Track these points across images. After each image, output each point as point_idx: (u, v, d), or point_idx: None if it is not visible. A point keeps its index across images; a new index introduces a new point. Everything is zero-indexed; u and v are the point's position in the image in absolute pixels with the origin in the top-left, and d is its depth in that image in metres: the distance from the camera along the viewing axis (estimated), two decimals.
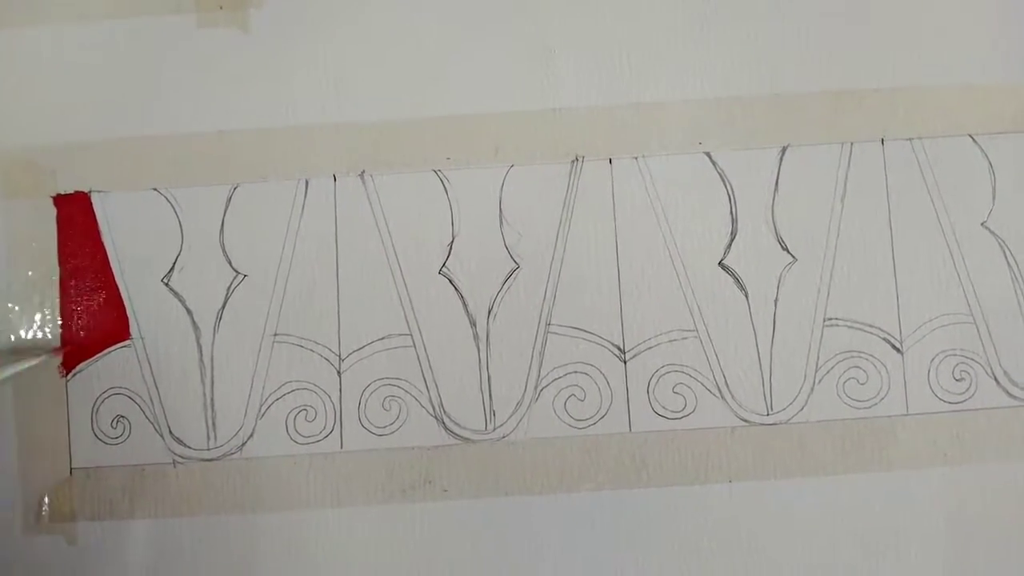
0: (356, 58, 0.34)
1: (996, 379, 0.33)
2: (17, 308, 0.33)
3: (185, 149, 0.34)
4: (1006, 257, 0.33)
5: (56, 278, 0.33)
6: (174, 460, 0.32)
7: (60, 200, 0.33)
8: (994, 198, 0.34)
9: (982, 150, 0.34)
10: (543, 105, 0.34)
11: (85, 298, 0.33)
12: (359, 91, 0.34)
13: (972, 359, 0.33)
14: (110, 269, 0.33)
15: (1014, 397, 0.33)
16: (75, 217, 0.33)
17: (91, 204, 0.33)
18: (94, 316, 0.33)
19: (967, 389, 0.33)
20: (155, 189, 0.34)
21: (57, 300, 0.33)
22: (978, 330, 0.33)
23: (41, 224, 0.33)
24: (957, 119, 0.34)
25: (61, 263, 0.33)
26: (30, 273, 0.33)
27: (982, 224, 0.34)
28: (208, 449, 0.32)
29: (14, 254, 0.33)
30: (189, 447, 0.32)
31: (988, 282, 0.33)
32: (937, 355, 0.33)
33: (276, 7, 0.34)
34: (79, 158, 0.34)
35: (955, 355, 0.33)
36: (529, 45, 0.34)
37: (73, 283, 0.33)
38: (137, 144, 0.34)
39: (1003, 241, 0.33)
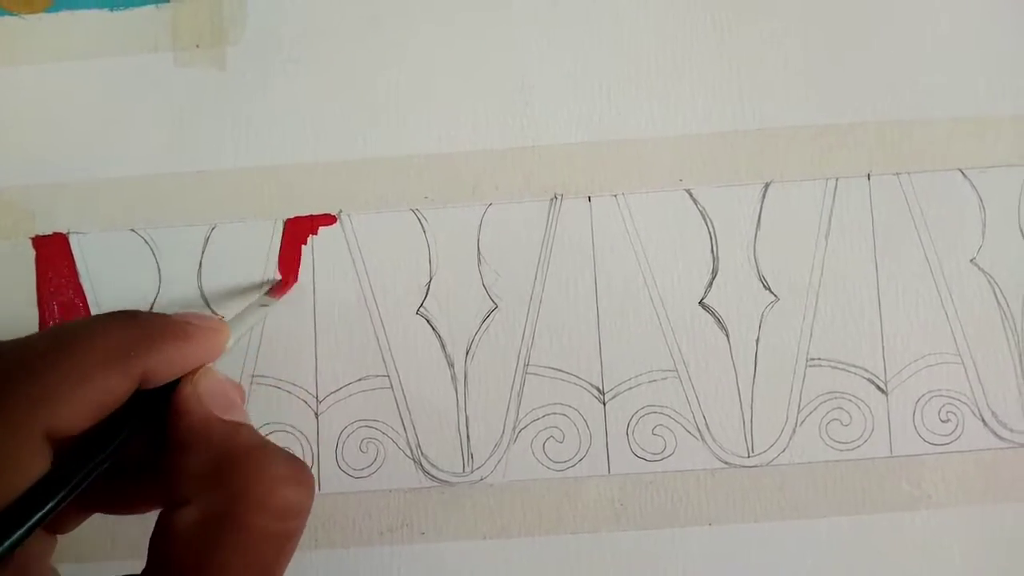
0: (333, 96, 0.34)
1: (983, 420, 0.32)
2: None
3: (162, 189, 0.34)
4: (995, 295, 0.33)
5: (36, 320, 0.33)
6: None
7: (39, 241, 0.34)
8: (984, 234, 0.33)
9: (972, 185, 0.33)
10: (521, 143, 0.33)
11: None
12: (336, 129, 0.34)
13: (959, 400, 0.32)
14: (88, 310, 0.33)
15: (1002, 438, 0.32)
16: (53, 259, 0.33)
17: (69, 245, 0.33)
18: None
19: (953, 430, 0.32)
20: (132, 230, 0.33)
21: None
22: (965, 370, 0.32)
23: (20, 266, 0.33)
24: (946, 153, 0.33)
25: (40, 305, 0.33)
26: (9, 314, 0.33)
27: (971, 261, 0.33)
28: None
29: None
30: None
31: (976, 321, 0.33)
32: (923, 396, 0.32)
33: (252, 44, 0.34)
34: (57, 199, 0.34)
35: (941, 396, 0.32)
36: (507, 82, 0.34)
37: (52, 324, 0.33)
38: (114, 184, 0.34)
39: (992, 278, 0.33)
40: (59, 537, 0.24)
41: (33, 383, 0.20)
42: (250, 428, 0.23)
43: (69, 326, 0.22)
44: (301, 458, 0.32)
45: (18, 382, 0.20)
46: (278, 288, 0.32)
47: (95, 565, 0.32)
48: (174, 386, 0.23)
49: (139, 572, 0.21)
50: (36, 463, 0.20)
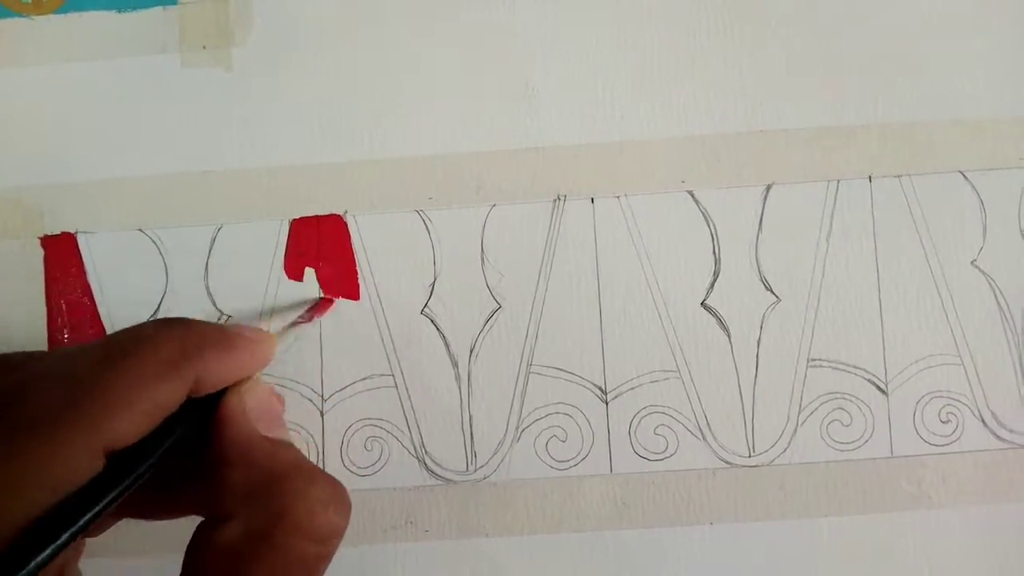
0: (338, 97, 0.34)
1: (983, 421, 0.33)
2: (2, 345, 0.34)
3: (169, 189, 0.34)
4: (996, 297, 0.33)
5: (44, 318, 0.34)
6: None
7: (47, 241, 0.34)
8: (985, 236, 0.33)
9: (973, 187, 0.33)
10: (525, 144, 0.34)
11: (72, 338, 0.33)
12: (341, 131, 0.34)
13: (959, 401, 0.33)
14: (96, 309, 0.34)
15: (1001, 439, 0.32)
16: (62, 258, 0.34)
17: (77, 245, 0.34)
18: None
19: (953, 431, 0.32)
20: (140, 230, 0.34)
21: (45, 340, 0.34)
22: (966, 371, 0.33)
23: (29, 265, 0.34)
24: (947, 155, 0.33)
25: (48, 304, 0.34)
26: (18, 312, 0.34)
27: (972, 263, 0.33)
28: None
29: (4, 293, 0.34)
30: None
31: (977, 323, 0.33)
32: (923, 397, 0.33)
33: (258, 45, 0.34)
34: (66, 199, 0.34)
35: (941, 397, 0.33)
36: (511, 84, 0.34)
37: (60, 323, 0.34)
38: (122, 184, 0.34)
39: (993, 281, 0.33)
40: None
41: (93, 401, 0.20)
42: (292, 447, 0.23)
43: (121, 337, 0.22)
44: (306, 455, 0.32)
45: (80, 400, 0.20)
46: (318, 308, 0.32)
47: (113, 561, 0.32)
48: (219, 396, 0.23)
49: None
50: (90, 475, 0.20)
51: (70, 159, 0.34)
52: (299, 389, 0.33)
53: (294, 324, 0.31)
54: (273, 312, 0.33)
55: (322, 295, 0.33)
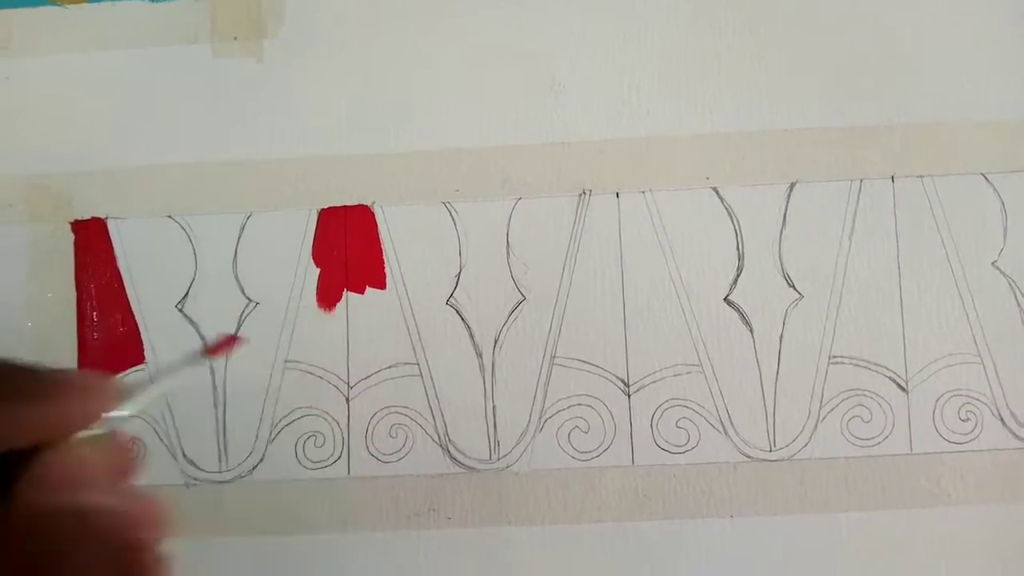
0: (367, 90, 0.34)
1: (1002, 420, 0.33)
2: (32, 326, 0.34)
3: (199, 177, 0.34)
4: (1016, 297, 0.33)
5: (73, 301, 0.34)
6: (187, 482, 0.33)
7: (77, 226, 0.34)
8: (1005, 237, 0.33)
9: (995, 189, 0.34)
10: (551, 138, 0.34)
11: (101, 322, 0.34)
12: (370, 123, 0.34)
13: (978, 399, 0.33)
14: (125, 294, 0.34)
15: (1020, 438, 0.33)
16: (91, 242, 0.34)
17: (107, 230, 0.34)
18: (110, 339, 0.34)
19: (972, 429, 0.33)
20: (170, 216, 0.34)
21: (74, 322, 0.34)
22: (985, 370, 0.33)
23: (60, 248, 0.34)
24: (969, 157, 0.34)
25: (78, 287, 0.34)
26: (49, 294, 0.34)
27: (992, 264, 0.33)
28: (220, 472, 0.33)
29: (35, 274, 0.34)
30: (201, 469, 0.33)
31: (997, 322, 0.33)
32: (943, 395, 0.33)
33: (289, 37, 0.35)
34: (96, 185, 0.34)
35: (961, 395, 0.33)
36: (538, 79, 0.34)
37: (89, 306, 0.34)
38: (152, 172, 0.34)
39: (1013, 281, 0.33)
40: None
41: None
42: (83, 516, 0.18)
43: None
44: (332, 441, 0.33)
45: None
46: (220, 347, 0.27)
47: None
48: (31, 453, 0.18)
49: None
50: None
51: (101, 147, 0.35)
52: (326, 376, 0.33)
53: (178, 364, 0.24)
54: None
55: (229, 334, 0.31)
